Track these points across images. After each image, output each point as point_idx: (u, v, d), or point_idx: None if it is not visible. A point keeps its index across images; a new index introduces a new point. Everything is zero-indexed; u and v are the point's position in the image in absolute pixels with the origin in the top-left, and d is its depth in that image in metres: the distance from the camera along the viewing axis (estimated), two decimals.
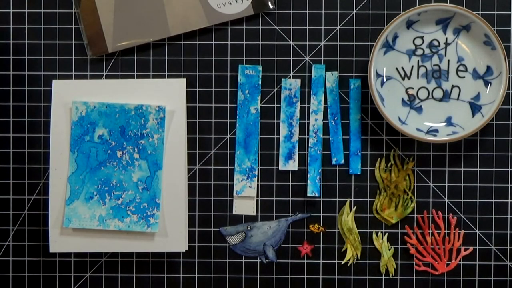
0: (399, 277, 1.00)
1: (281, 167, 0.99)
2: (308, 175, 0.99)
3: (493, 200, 0.99)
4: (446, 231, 0.99)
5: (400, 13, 0.97)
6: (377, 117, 1.00)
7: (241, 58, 1.00)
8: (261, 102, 1.00)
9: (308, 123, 0.99)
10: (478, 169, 0.99)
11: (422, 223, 0.99)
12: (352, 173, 0.99)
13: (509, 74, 0.98)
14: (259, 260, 1.00)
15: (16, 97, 1.00)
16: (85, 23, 0.99)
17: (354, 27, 0.99)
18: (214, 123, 1.00)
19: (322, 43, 1.00)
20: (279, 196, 1.00)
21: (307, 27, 1.00)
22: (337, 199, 1.00)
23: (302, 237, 1.00)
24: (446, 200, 1.00)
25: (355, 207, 1.00)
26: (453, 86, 0.97)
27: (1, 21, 1.00)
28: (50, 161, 0.97)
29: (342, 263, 1.00)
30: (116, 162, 0.96)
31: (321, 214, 1.00)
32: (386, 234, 1.00)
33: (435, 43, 0.97)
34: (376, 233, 1.00)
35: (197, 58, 1.00)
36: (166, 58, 1.00)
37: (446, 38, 0.97)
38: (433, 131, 0.97)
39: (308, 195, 0.99)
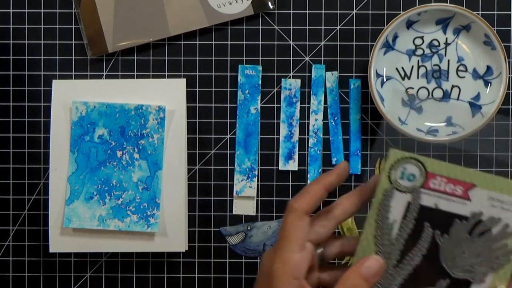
0: None
1: (281, 167, 0.99)
2: (308, 175, 0.99)
3: None
4: None
5: (400, 13, 0.97)
6: (377, 117, 1.00)
7: (241, 58, 1.00)
8: (261, 102, 1.00)
9: (308, 123, 0.99)
10: (478, 169, 0.99)
11: None
12: (352, 173, 0.99)
13: (509, 74, 0.98)
14: (259, 260, 1.00)
15: (16, 97, 1.00)
16: (85, 23, 0.99)
17: (354, 27, 0.99)
18: (214, 123, 1.00)
19: (322, 43, 1.00)
20: (279, 196, 1.00)
21: (307, 27, 1.00)
22: (337, 199, 0.99)
23: None
24: None
25: None
26: (453, 86, 0.97)
27: (1, 21, 1.00)
28: (50, 161, 0.97)
29: (342, 263, 1.00)
30: (116, 162, 0.96)
31: None
32: None
33: (435, 43, 0.97)
34: None
35: (197, 58, 1.00)
36: (166, 58, 1.00)
37: (446, 38, 0.97)
38: (433, 131, 0.97)
39: None
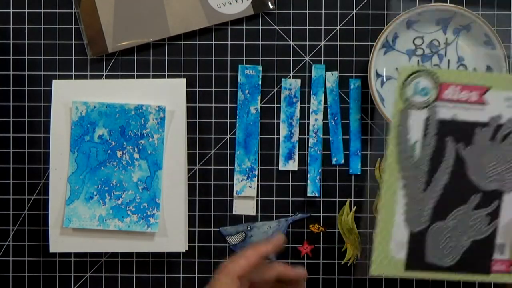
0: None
1: (281, 167, 0.99)
2: (308, 175, 0.99)
3: None
4: None
5: (400, 13, 0.96)
6: (377, 117, 0.99)
7: (241, 58, 1.00)
8: (261, 102, 1.00)
9: (308, 123, 0.99)
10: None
11: None
12: (352, 173, 0.99)
13: (509, 74, 0.98)
14: None
15: (16, 97, 1.00)
16: (85, 23, 0.99)
17: (354, 27, 0.99)
18: (214, 123, 1.00)
19: (322, 43, 1.00)
20: (279, 196, 1.00)
21: (307, 27, 0.99)
22: (337, 199, 1.00)
23: (302, 237, 1.00)
24: None
25: (355, 207, 1.00)
26: None
27: (1, 21, 1.00)
28: (50, 161, 0.97)
29: (342, 263, 1.00)
30: (116, 162, 0.96)
31: (321, 214, 1.00)
32: None
33: (435, 43, 0.97)
34: None
35: (197, 58, 1.00)
36: (166, 58, 1.00)
37: (446, 38, 0.97)
38: None
39: (308, 195, 0.99)
